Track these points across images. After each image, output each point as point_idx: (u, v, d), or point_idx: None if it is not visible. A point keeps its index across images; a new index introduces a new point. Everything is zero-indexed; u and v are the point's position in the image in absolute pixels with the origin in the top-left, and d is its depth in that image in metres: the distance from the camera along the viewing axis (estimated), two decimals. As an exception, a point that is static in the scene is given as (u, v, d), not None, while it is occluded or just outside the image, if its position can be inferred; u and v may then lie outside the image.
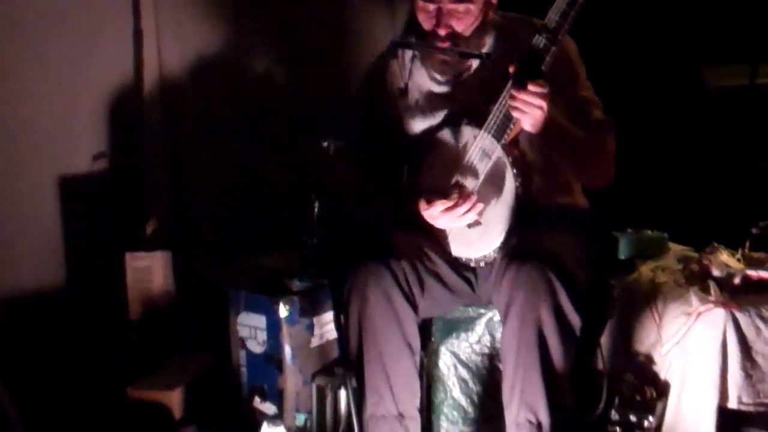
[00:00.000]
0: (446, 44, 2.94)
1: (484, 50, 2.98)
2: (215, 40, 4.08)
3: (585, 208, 3.19)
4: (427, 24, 2.95)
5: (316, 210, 3.04)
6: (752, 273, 3.32)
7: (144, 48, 3.93)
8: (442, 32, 2.93)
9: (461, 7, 2.90)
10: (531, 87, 2.71)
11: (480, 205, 2.90)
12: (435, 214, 2.90)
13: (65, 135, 3.82)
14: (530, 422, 2.77)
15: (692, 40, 4.54)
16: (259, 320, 3.29)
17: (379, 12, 4.18)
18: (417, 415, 2.91)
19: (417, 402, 2.92)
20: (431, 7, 2.91)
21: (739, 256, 3.42)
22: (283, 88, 4.15)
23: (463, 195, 2.89)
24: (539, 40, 2.77)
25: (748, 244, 3.38)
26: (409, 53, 3.13)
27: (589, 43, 3.12)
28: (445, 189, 2.93)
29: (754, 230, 3.17)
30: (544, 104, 2.72)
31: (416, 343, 2.92)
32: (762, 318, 3.18)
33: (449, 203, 2.86)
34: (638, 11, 4.46)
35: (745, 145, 4.54)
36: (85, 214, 3.87)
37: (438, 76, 3.08)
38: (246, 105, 4.10)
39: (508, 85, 2.77)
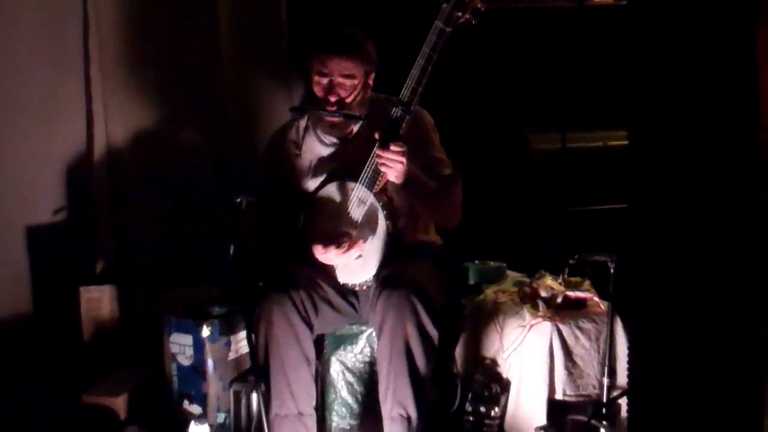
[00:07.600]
0: (334, 108, 2.88)
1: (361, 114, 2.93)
2: (152, 118, 3.90)
3: (439, 244, 3.13)
4: (320, 93, 2.90)
5: (231, 251, 2.93)
6: (571, 294, 3.30)
7: (95, 126, 3.78)
8: (332, 99, 2.88)
9: (347, 81, 2.86)
10: (393, 147, 2.70)
11: (363, 246, 2.84)
12: (330, 256, 2.84)
13: (32, 193, 3.67)
14: (401, 416, 2.69)
15: (520, 116, 4.55)
16: (187, 339, 3.13)
17: (278, 88, 4.08)
18: (313, 413, 2.80)
19: (313, 402, 2.80)
20: (324, 80, 2.88)
21: (560, 280, 3.39)
22: (205, 155, 4.00)
23: (352, 242, 2.83)
24: (396, 111, 2.77)
25: (567, 270, 3.34)
26: (303, 123, 3.07)
27: (446, 117, 3.11)
28: (336, 234, 2.87)
29: (571, 260, 3.15)
30: (403, 160, 2.71)
31: (312, 355, 2.82)
32: (579, 328, 3.15)
33: (341, 250, 2.81)
34: (482, 95, 4.44)
35: (561, 194, 4.56)
36: (47, 255, 3.69)
37: (326, 139, 3.01)
38: (176, 169, 3.94)
39: (376, 147, 2.74)
